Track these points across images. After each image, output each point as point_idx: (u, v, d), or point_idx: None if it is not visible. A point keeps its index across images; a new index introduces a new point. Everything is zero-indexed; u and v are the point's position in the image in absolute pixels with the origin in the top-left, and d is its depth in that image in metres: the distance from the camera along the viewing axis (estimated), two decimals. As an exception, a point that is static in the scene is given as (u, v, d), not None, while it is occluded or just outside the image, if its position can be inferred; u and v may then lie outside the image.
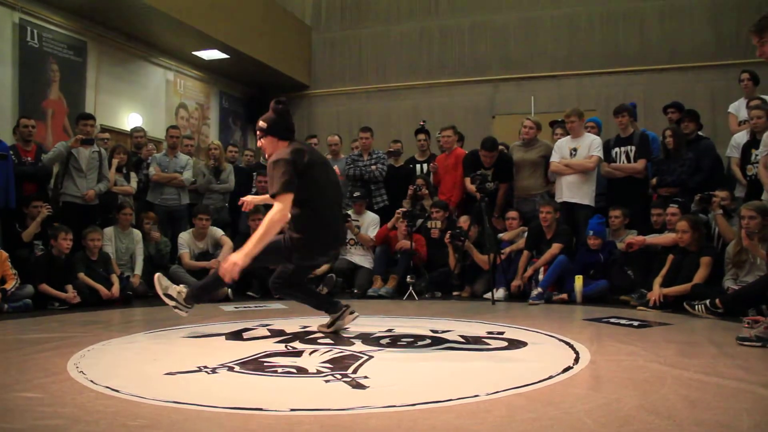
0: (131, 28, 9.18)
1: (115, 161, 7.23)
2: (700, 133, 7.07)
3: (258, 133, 3.84)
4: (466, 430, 2.08)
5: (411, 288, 6.52)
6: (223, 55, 10.27)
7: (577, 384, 2.72)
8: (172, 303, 4.04)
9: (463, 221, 6.87)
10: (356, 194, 7.43)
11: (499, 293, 6.30)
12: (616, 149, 6.85)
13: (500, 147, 7.35)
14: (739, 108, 6.91)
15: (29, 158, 6.58)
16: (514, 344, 3.73)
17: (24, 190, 6.49)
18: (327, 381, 2.76)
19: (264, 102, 12.10)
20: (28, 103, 7.74)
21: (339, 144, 8.20)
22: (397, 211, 7.02)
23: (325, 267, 6.97)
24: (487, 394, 2.49)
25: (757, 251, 5.07)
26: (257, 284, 6.87)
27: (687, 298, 5.25)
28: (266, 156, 3.84)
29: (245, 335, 4.13)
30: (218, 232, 7.09)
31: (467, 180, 7.08)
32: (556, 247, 6.30)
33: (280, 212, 3.44)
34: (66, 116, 8.35)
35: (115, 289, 6.17)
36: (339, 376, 2.83)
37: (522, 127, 7.35)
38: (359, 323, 4.31)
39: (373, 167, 7.65)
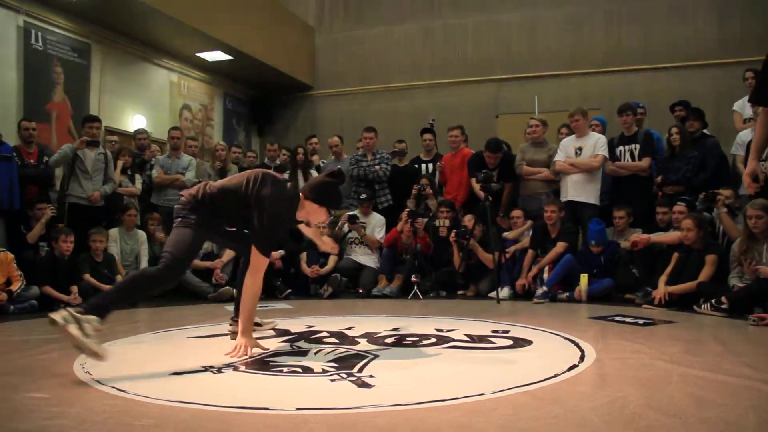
0: (135, 30, 9.20)
1: (120, 163, 7.25)
2: (705, 131, 7.06)
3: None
4: (472, 428, 2.08)
5: (416, 287, 6.52)
6: (227, 57, 10.29)
7: (582, 382, 2.72)
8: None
9: (468, 220, 6.86)
10: (363, 196, 7.43)
11: (504, 292, 6.30)
12: (621, 148, 6.85)
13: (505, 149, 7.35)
14: (743, 106, 6.90)
15: (32, 160, 6.60)
16: (520, 343, 3.73)
17: (27, 192, 6.51)
18: (332, 380, 2.77)
19: (267, 103, 12.26)
20: (32, 106, 7.76)
21: (340, 145, 8.19)
22: (402, 214, 7.02)
23: (329, 266, 6.98)
24: (493, 393, 2.49)
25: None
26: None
27: (692, 296, 5.25)
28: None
29: (250, 335, 4.13)
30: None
31: (473, 180, 7.07)
32: (560, 246, 6.29)
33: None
34: (70, 118, 8.38)
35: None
36: (344, 375, 2.83)
37: (528, 127, 7.34)
38: (365, 322, 4.30)
39: (377, 167, 7.64)
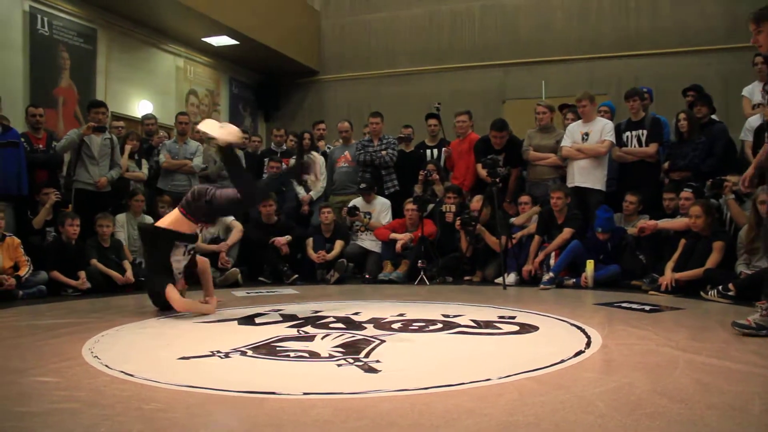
0: (141, 14, 9.18)
1: (127, 147, 7.26)
2: (713, 116, 7.01)
3: None
4: (478, 413, 2.08)
5: (422, 273, 6.52)
6: (233, 42, 10.27)
7: (588, 368, 2.72)
8: None
9: (476, 200, 6.86)
10: (362, 186, 7.43)
11: (510, 278, 6.30)
12: (628, 133, 6.81)
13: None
14: (752, 91, 6.83)
15: (40, 146, 6.62)
16: (526, 328, 3.74)
17: (36, 177, 6.53)
18: (339, 365, 2.78)
19: (274, 88, 12.23)
20: (39, 91, 7.77)
21: (350, 130, 8.15)
22: (406, 206, 7.03)
23: (336, 252, 6.99)
24: (499, 378, 2.49)
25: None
26: (268, 270, 6.91)
27: (699, 282, 5.23)
28: None
29: (257, 320, 4.15)
30: (229, 217, 7.10)
31: (479, 166, 7.05)
32: (567, 232, 6.28)
33: None
34: (77, 104, 8.39)
35: (129, 274, 6.20)
36: (351, 360, 2.84)
37: (536, 114, 7.30)
38: (371, 308, 4.30)
39: (384, 152, 7.63)
